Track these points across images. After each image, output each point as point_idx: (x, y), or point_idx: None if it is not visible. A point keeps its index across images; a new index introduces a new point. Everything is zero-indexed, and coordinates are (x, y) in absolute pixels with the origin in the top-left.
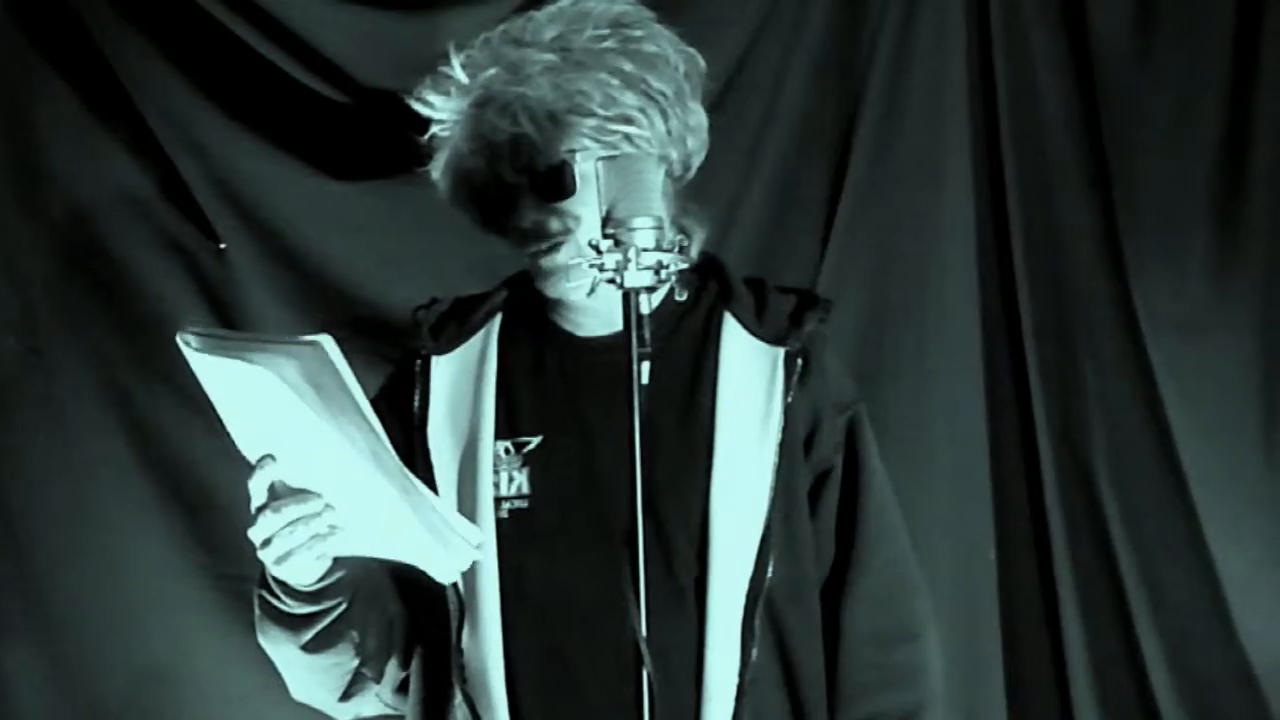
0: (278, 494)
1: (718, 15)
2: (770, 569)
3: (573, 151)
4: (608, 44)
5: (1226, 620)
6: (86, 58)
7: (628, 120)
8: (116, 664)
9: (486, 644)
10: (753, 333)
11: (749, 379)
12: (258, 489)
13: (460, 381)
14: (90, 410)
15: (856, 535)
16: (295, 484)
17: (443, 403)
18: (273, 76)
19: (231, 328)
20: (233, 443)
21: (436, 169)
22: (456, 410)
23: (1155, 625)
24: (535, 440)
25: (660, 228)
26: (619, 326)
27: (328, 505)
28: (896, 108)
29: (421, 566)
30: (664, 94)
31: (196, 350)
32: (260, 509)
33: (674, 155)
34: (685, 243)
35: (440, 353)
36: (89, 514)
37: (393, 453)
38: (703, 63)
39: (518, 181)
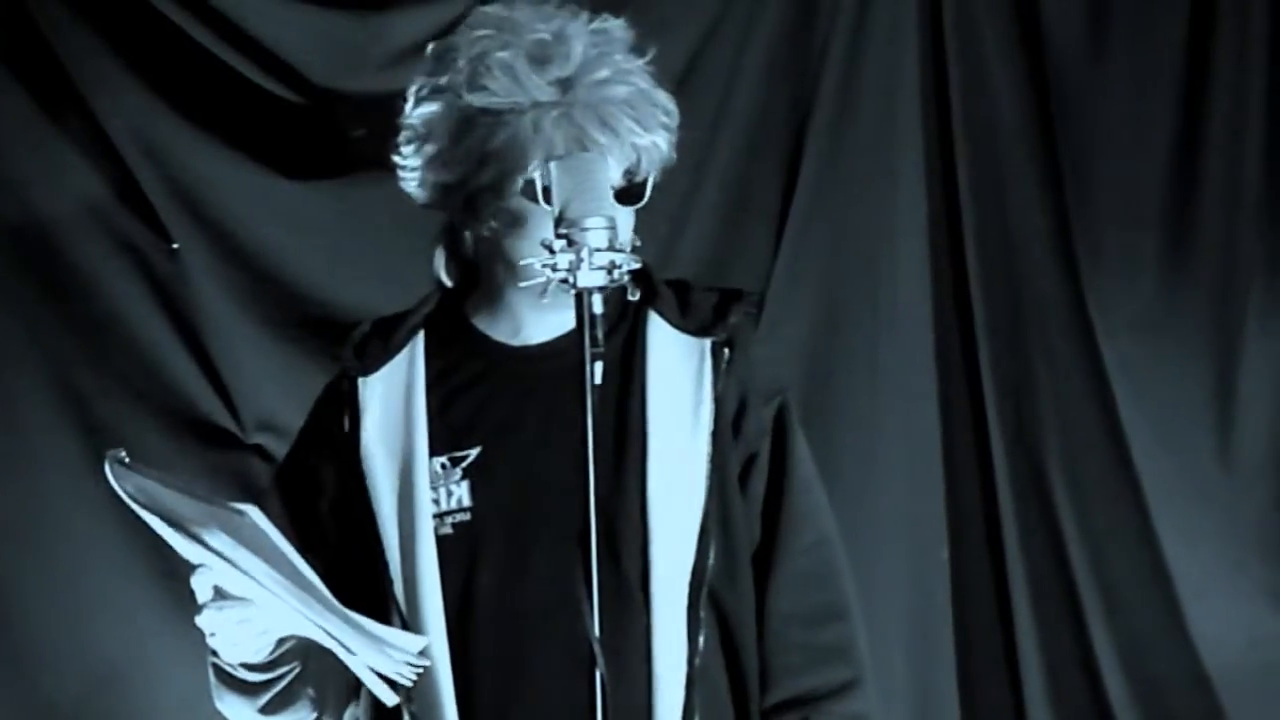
0: (221, 594)
1: (670, 14)
2: (711, 557)
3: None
4: (639, 63)
5: (1179, 620)
6: (39, 57)
7: (670, 132)
8: (70, 665)
9: (433, 661)
10: (677, 327)
11: (677, 372)
12: (201, 588)
13: (389, 400)
14: (43, 412)
15: (781, 519)
16: (235, 593)
17: (374, 423)
18: (226, 76)
19: (186, 327)
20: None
21: (470, 150)
22: (388, 429)
23: (1108, 625)
24: (473, 452)
25: (613, 228)
26: (556, 333)
27: (261, 616)
28: (849, 107)
29: (365, 681)
30: (667, 115)
31: (128, 495)
32: (203, 605)
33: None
34: (638, 243)
35: (366, 373)
36: (42, 516)
37: (325, 593)
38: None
39: (638, 177)
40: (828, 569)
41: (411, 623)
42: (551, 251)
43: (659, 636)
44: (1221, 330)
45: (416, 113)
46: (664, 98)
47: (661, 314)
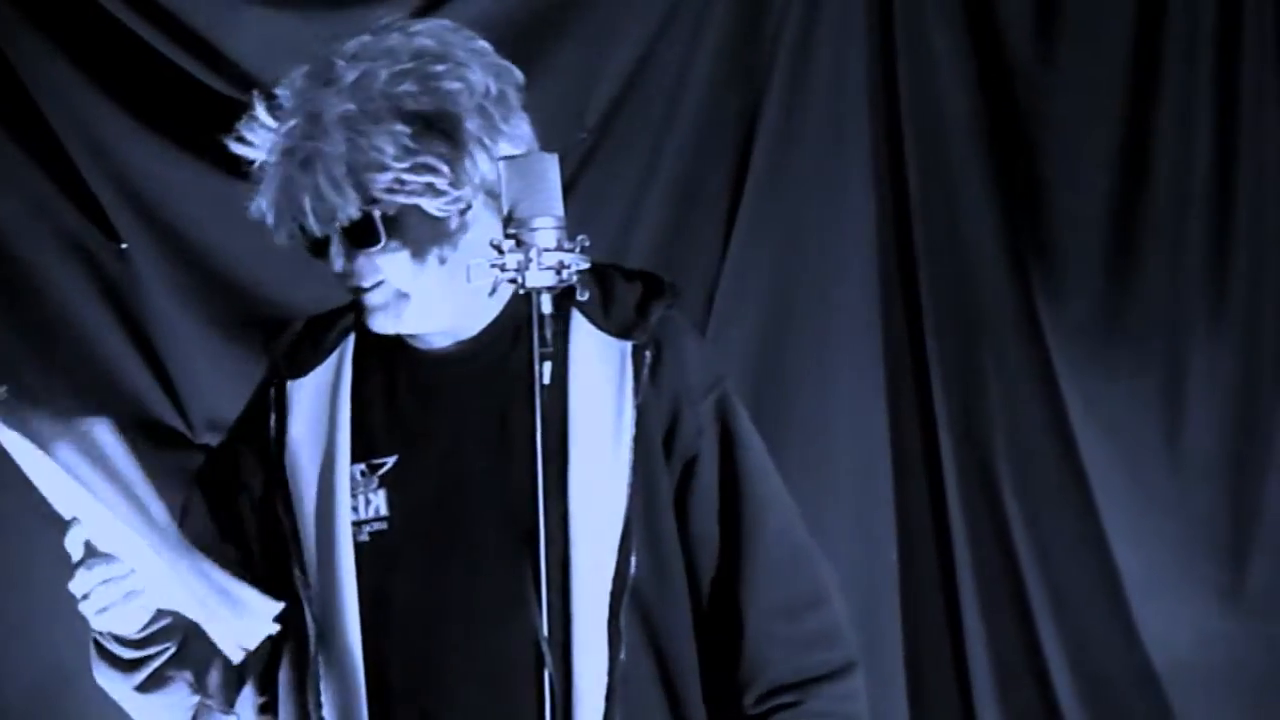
0: (90, 551)
1: (618, 15)
2: (632, 567)
3: (375, 202)
4: (406, 85)
5: (1127, 620)
6: None
7: (428, 169)
8: (21, 665)
9: (347, 670)
10: (600, 327)
11: (599, 377)
12: (73, 545)
13: (316, 405)
14: None
15: (741, 513)
16: (101, 547)
17: (299, 428)
18: (175, 76)
19: (135, 327)
20: None
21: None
22: (313, 435)
23: (1057, 625)
24: (390, 460)
25: (562, 227)
26: (457, 338)
27: (132, 569)
28: (798, 108)
29: (213, 636)
30: (469, 130)
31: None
32: (76, 565)
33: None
34: (587, 242)
35: (294, 377)
36: None
37: (174, 530)
38: (519, 74)
39: (326, 232)
40: (798, 554)
41: (327, 629)
42: (500, 251)
43: (578, 646)
44: (1170, 331)
45: None
46: (360, 135)
47: (585, 313)
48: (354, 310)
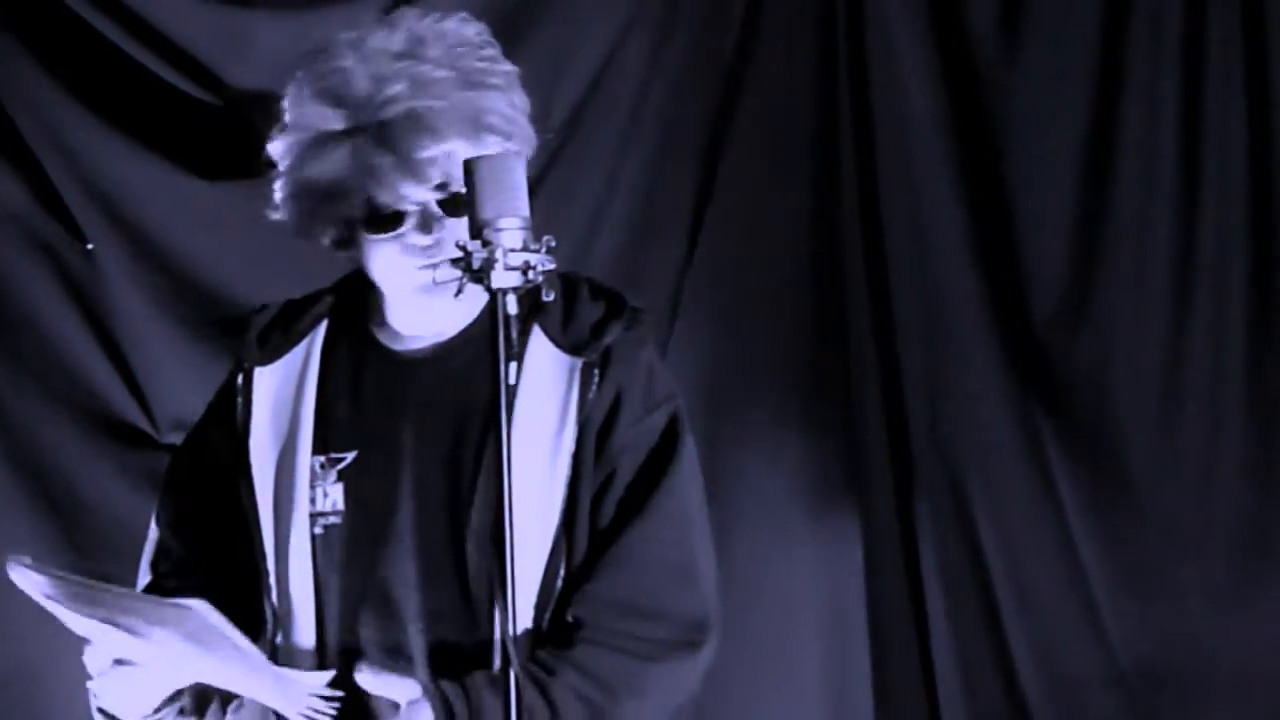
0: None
1: (582, 18)
2: (559, 581)
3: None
4: (484, 63)
5: (1094, 620)
6: None
7: (514, 138)
8: None
9: (302, 659)
10: (555, 343)
11: (547, 392)
12: (96, 659)
13: (282, 393)
14: None
15: (631, 516)
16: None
17: (265, 415)
18: (141, 77)
19: (101, 327)
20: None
21: (295, 181)
22: (278, 423)
23: (1023, 626)
24: (349, 456)
25: (528, 228)
26: (436, 340)
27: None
28: (764, 110)
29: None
30: (523, 109)
31: (47, 597)
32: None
33: None
34: (553, 243)
35: (263, 363)
36: None
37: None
38: None
39: (426, 198)
40: (658, 568)
41: (283, 617)
42: (466, 251)
43: (500, 654)
44: (1136, 331)
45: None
46: (478, 99)
47: (545, 328)
48: (336, 293)
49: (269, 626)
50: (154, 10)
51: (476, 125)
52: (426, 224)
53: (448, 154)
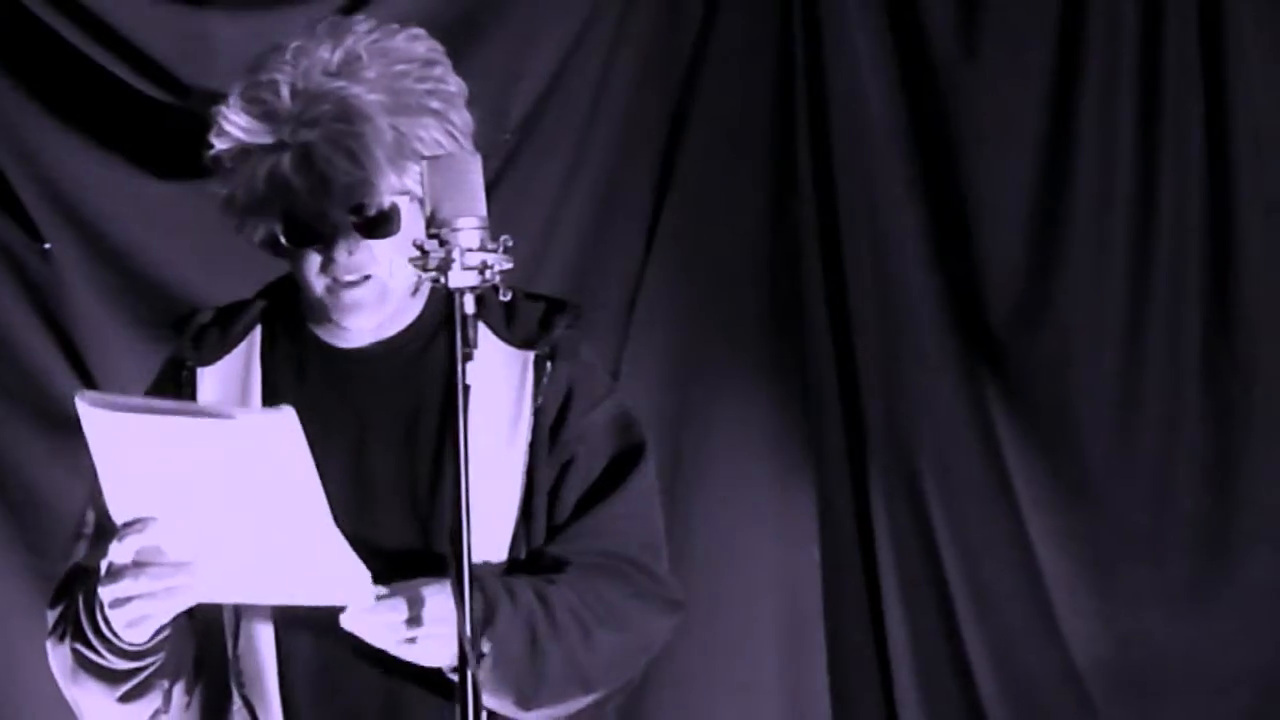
0: (148, 558)
1: (540, 17)
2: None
3: (406, 194)
4: (424, 85)
5: (1050, 619)
6: None
7: (398, 157)
8: None
9: (260, 650)
10: (503, 339)
11: (498, 384)
12: (125, 550)
13: (227, 392)
14: None
15: (598, 500)
16: (175, 544)
17: None
18: (97, 76)
19: (58, 327)
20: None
21: (229, 186)
22: None
23: (979, 624)
24: None
25: (485, 228)
26: (379, 336)
27: (201, 575)
28: (720, 111)
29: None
30: (461, 130)
31: (114, 410)
32: (123, 569)
33: None
34: (510, 243)
35: (205, 364)
36: None
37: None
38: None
39: (342, 220)
40: (598, 569)
41: (242, 613)
42: (424, 251)
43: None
44: (1093, 328)
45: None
46: (405, 126)
47: (488, 324)
48: (266, 297)
49: (228, 626)
50: (111, 10)
51: (400, 151)
52: (343, 245)
53: (365, 180)
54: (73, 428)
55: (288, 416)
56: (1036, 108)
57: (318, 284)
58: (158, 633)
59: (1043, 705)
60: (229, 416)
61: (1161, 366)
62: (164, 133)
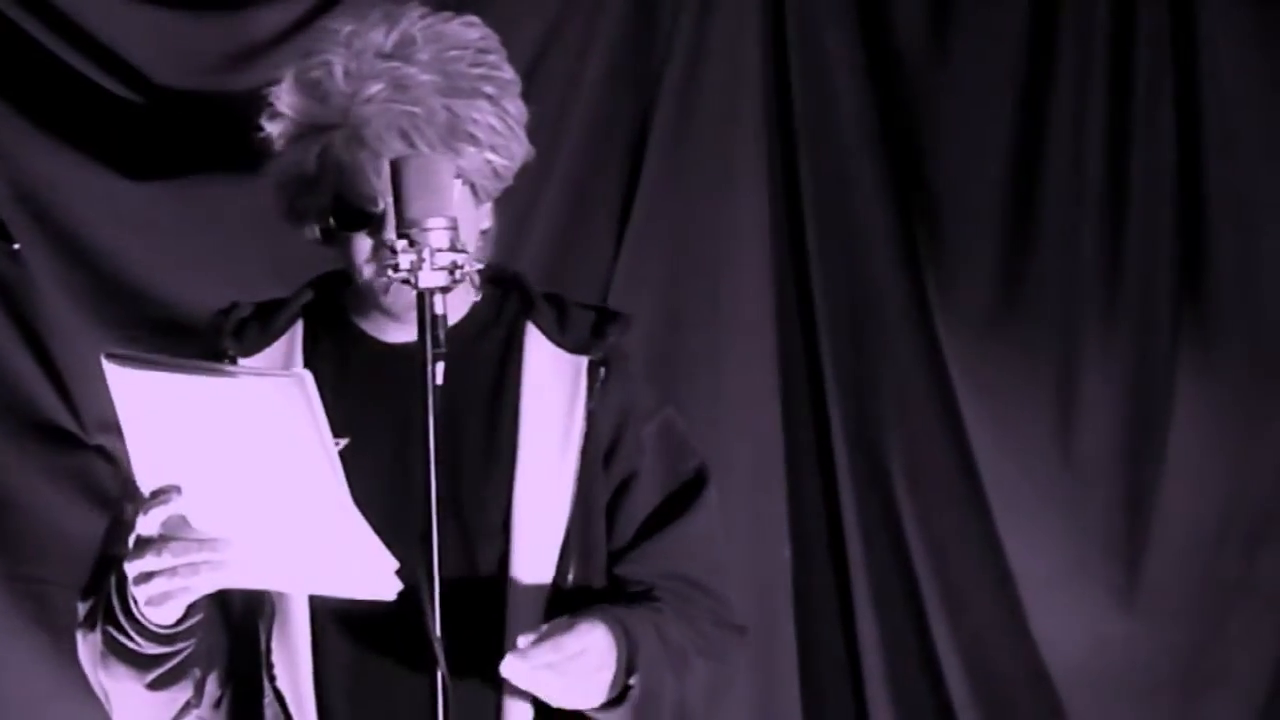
0: (175, 532)
1: (510, 16)
2: (570, 575)
3: (459, 177)
4: (477, 69)
5: (1020, 619)
6: None
7: (495, 150)
8: None
9: (296, 644)
10: (556, 342)
11: (552, 387)
12: (151, 521)
13: None
14: None
15: (674, 515)
16: (201, 521)
17: None
18: (67, 76)
19: (27, 328)
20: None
21: (280, 169)
22: None
23: (950, 624)
24: (341, 442)
25: (454, 228)
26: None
27: (227, 553)
28: (691, 109)
29: (342, 594)
30: (515, 118)
31: (139, 367)
32: (148, 543)
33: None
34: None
35: (245, 355)
36: None
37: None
38: None
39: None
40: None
41: (278, 606)
42: (393, 251)
43: (511, 646)
44: (1063, 330)
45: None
46: (460, 108)
47: (540, 327)
48: (310, 292)
49: (264, 619)
50: (82, 10)
51: (454, 133)
52: (393, 228)
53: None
54: (42, 429)
55: (303, 381)
56: (1007, 106)
57: (366, 270)
58: (186, 616)
59: (1012, 706)
60: (246, 375)
61: (1132, 365)
62: (135, 133)
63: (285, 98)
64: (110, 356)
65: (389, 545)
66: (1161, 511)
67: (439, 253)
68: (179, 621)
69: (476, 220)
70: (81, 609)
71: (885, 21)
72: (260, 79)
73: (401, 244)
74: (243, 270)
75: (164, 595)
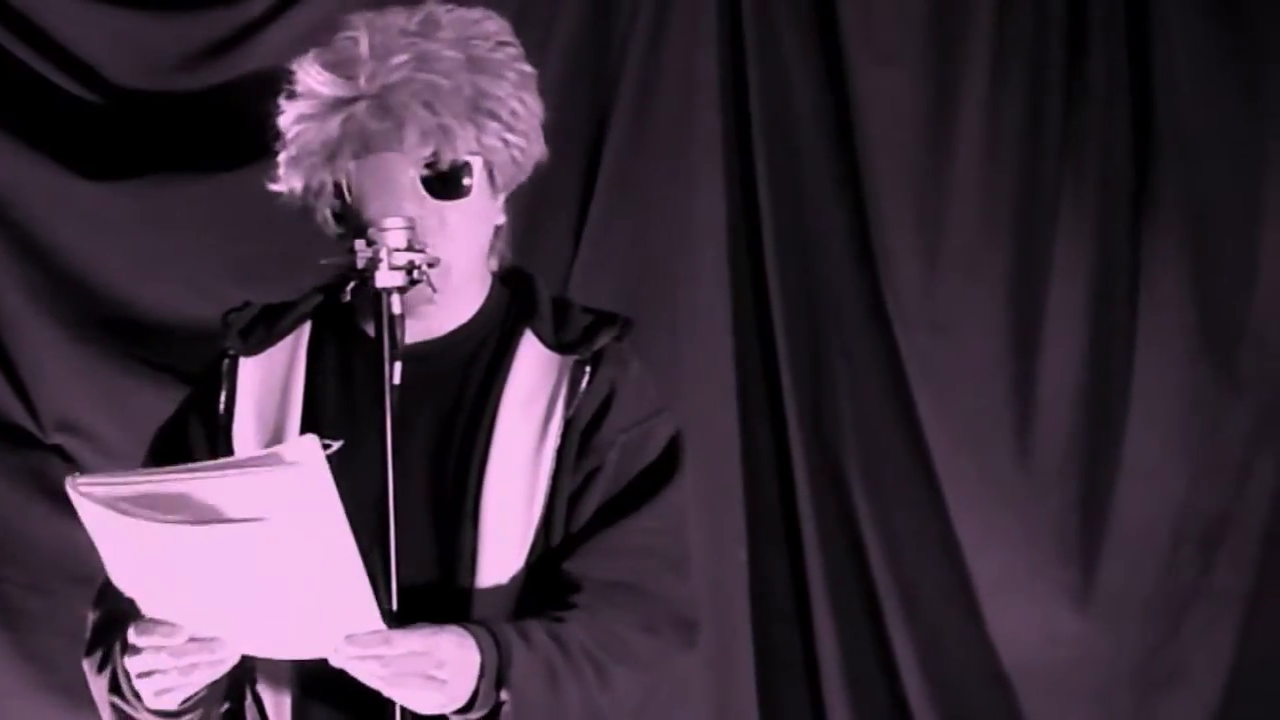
0: (170, 638)
1: None
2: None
3: (477, 154)
4: (500, 54)
5: (977, 620)
6: None
7: (517, 132)
8: None
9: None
10: (547, 344)
11: (536, 387)
12: (142, 636)
13: (268, 384)
14: None
15: (624, 512)
16: (195, 619)
17: (249, 404)
18: (24, 76)
19: None
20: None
21: (298, 143)
22: (263, 412)
23: (907, 625)
24: (336, 444)
25: (412, 228)
26: (431, 334)
27: (224, 652)
28: (648, 108)
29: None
30: (532, 109)
31: (102, 505)
32: (143, 648)
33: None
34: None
35: (248, 354)
36: None
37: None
38: None
39: (412, 175)
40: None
41: None
42: (352, 251)
43: None
44: (1019, 330)
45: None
46: (484, 84)
47: (536, 331)
48: (318, 296)
49: None
50: (39, 10)
51: (477, 108)
52: (409, 205)
53: (443, 129)
54: (4, 429)
55: (313, 453)
56: (964, 107)
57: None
58: (191, 696)
59: (970, 707)
60: (255, 467)
61: (1088, 368)
62: (92, 133)
63: (311, 70)
64: (76, 486)
65: (369, 548)
66: (1117, 513)
67: (396, 252)
68: (184, 702)
69: (491, 213)
70: (86, 665)
71: (840, 21)
72: (218, 78)
73: (360, 243)
74: (199, 270)
75: (167, 690)
